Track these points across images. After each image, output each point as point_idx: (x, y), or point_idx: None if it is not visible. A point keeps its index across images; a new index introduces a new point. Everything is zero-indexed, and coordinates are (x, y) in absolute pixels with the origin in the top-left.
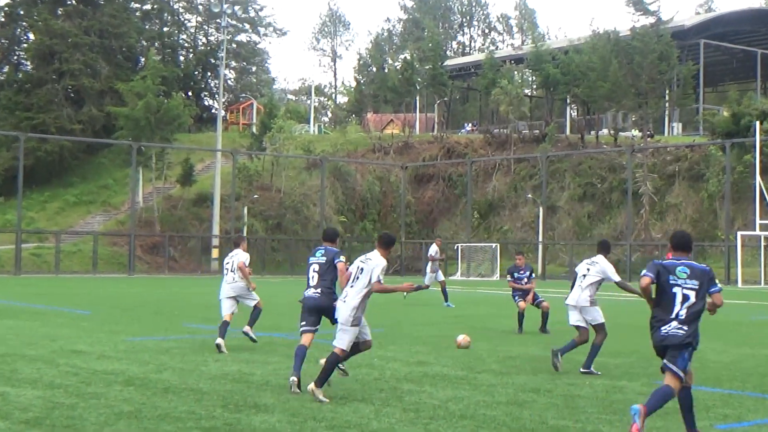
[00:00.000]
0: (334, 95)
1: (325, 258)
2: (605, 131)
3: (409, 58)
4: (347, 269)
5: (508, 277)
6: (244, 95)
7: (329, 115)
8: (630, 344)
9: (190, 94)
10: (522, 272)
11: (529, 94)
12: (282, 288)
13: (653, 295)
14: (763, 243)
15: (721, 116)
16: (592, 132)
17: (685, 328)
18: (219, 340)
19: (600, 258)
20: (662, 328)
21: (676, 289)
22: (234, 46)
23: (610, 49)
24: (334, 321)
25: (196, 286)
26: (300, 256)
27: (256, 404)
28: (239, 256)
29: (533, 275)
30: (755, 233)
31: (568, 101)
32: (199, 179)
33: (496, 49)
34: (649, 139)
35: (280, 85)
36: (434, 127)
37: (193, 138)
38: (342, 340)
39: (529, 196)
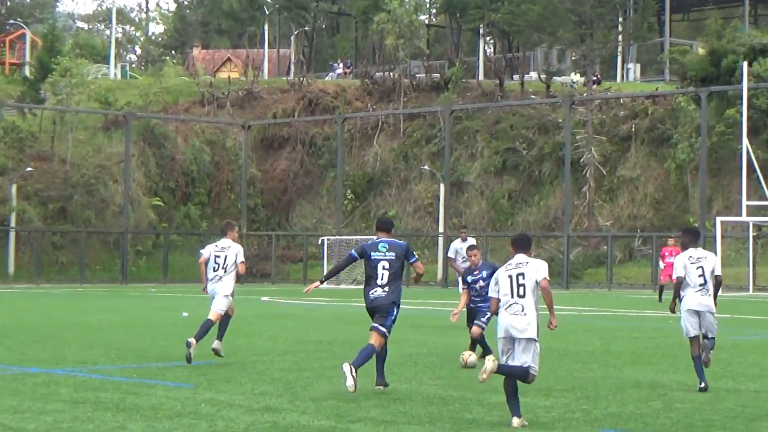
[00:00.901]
0: (145, 23)
1: (393, 254)
2: (534, 75)
3: None
4: None
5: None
6: (11, 22)
7: (138, 52)
8: (568, 377)
9: None
10: (477, 273)
11: (427, 22)
12: (67, 303)
13: None
14: (752, 233)
15: (694, 55)
16: (516, 76)
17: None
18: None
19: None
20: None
21: None
22: None
23: None
24: (376, 322)
25: None
26: (95, 256)
27: None
28: (234, 250)
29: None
30: (741, 219)
31: (482, 32)
32: None
33: None
34: (594, 86)
35: (67, 8)
36: (290, 69)
37: None
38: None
39: (426, 167)
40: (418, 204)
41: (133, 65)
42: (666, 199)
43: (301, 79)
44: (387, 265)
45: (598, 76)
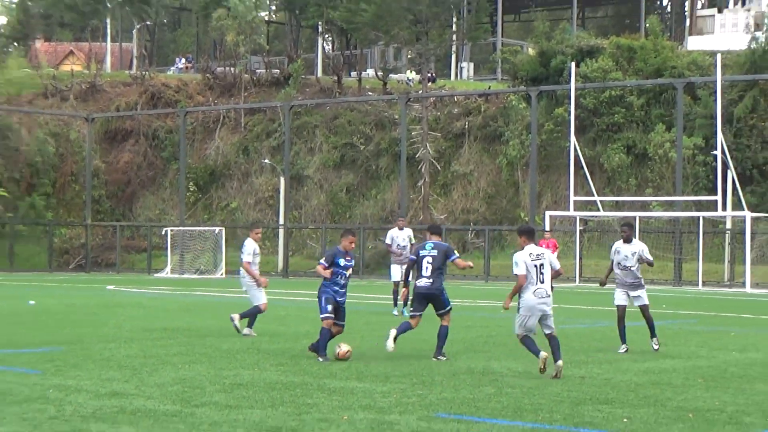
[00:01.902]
0: None
1: (436, 251)
2: (371, 72)
3: None
4: None
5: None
6: None
7: None
8: (404, 364)
9: None
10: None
11: (267, 18)
12: None
13: None
14: (579, 227)
15: (525, 55)
16: (354, 73)
17: None
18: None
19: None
20: None
21: None
22: None
23: None
24: (439, 309)
25: None
26: None
27: None
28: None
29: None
30: (568, 213)
31: (321, 30)
32: None
33: None
34: (429, 84)
35: None
36: (133, 63)
37: None
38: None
39: (266, 161)
40: (259, 196)
41: None
42: (498, 194)
43: (144, 72)
44: (431, 260)
45: (433, 74)
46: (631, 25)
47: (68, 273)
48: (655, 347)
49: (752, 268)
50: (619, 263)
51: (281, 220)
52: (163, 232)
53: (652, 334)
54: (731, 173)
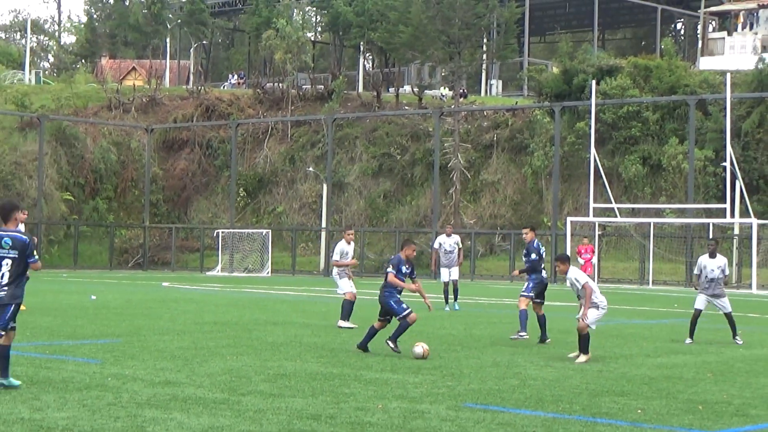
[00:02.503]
0: (57, 33)
1: None
2: (408, 88)
3: None
4: None
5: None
6: None
7: (51, 59)
8: (434, 357)
9: None
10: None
11: (313, 38)
12: None
13: None
14: (597, 231)
15: (549, 73)
16: (392, 89)
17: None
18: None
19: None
20: None
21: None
22: None
23: None
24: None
25: None
26: None
27: None
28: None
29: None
30: (588, 219)
31: (362, 49)
32: None
33: None
34: (461, 99)
35: None
36: (189, 78)
37: None
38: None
39: (311, 169)
40: (303, 202)
41: (47, 72)
42: (523, 201)
43: (199, 87)
44: None
45: (465, 91)
46: (648, 46)
47: (127, 271)
48: (739, 342)
49: (758, 270)
50: (706, 276)
51: (323, 224)
52: (215, 234)
53: (735, 334)
54: (739, 183)
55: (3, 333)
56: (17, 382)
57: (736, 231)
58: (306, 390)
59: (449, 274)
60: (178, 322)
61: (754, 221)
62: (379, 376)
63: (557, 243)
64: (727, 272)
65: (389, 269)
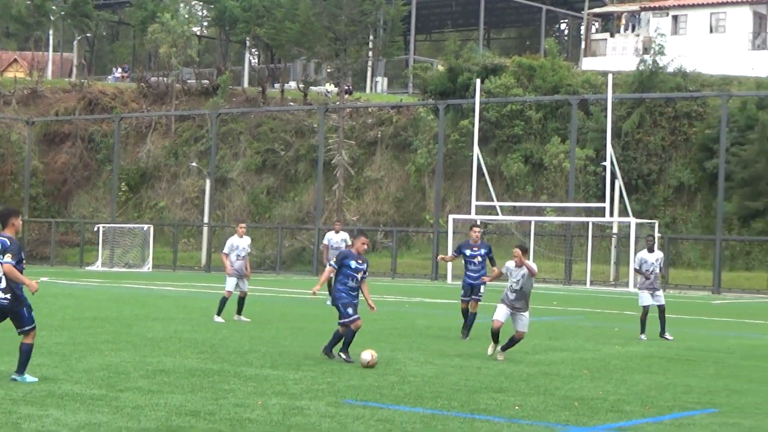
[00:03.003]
0: None
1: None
2: (293, 85)
3: None
4: None
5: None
6: None
7: None
8: (315, 353)
9: None
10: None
11: (199, 33)
12: None
13: None
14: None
15: (435, 71)
16: (277, 85)
17: None
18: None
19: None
20: None
21: None
22: None
23: None
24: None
25: None
26: None
27: None
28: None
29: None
30: (470, 217)
31: (248, 45)
32: None
33: None
34: (346, 96)
35: None
36: (72, 71)
37: None
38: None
39: (194, 164)
40: (186, 197)
41: None
42: (406, 198)
43: (83, 81)
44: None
45: (350, 87)
46: (532, 46)
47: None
48: (669, 338)
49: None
50: (647, 270)
51: (206, 219)
52: (96, 229)
53: (664, 330)
54: (619, 183)
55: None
56: (33, 378)
57: (615, 230)
58: (185, 386)
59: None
60: (56, 318)
61: (633, 220)
62: (259, 372)
63: (439, 240)
64: (662, 265)
65: (331, 262)
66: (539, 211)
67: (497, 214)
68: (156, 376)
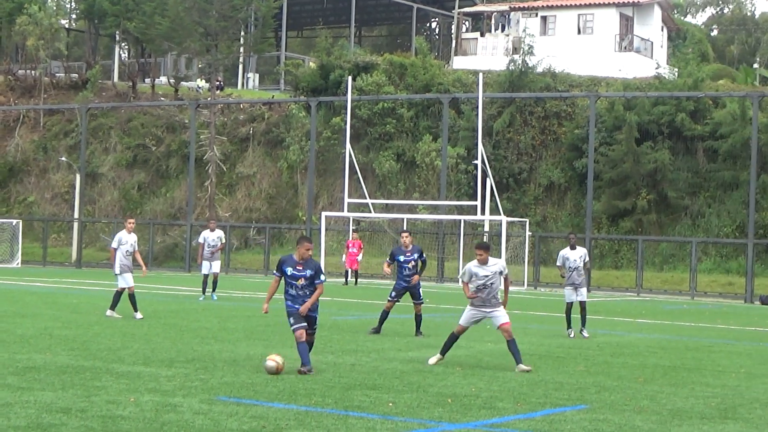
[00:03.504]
0: None
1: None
2: (164, 80)
3: None
4: None
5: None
6: None
7: None
8: (188, 350)
9: None
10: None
11: (68, 26)
12: None
13: None
14: (352, 227)
15: (306, 68)
16: (148, 80)
17: None
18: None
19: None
20: None
21: None
22: None
23: None
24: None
25: None
26: None
27: None
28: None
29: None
30: (343, 214)
31: (118, 39)
32: None
33: None
34: (218, 92)
35: None
36: None
37: None
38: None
39: (64, 159)
40: (56, 192)
41: None
42: (278, 195)
43: None
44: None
45: (222, 83)
46: (403, 44)
47: None
48: (586, 336)
49: (507, 267)
50: (569, 267)
51: (76, 214)
52: None
53: (583, 327)
54: (490, 181)
55: None
56: None
57: (487, 228)
58: (56, 383)
59: (210, 267)
60: None
61: (504, 218)
62: (131, 369)
63: (312, 237)
64: (587, 260)
65: (275, 271)
66: (411, 209)
67: (370, 212)
68: (26, 373)
